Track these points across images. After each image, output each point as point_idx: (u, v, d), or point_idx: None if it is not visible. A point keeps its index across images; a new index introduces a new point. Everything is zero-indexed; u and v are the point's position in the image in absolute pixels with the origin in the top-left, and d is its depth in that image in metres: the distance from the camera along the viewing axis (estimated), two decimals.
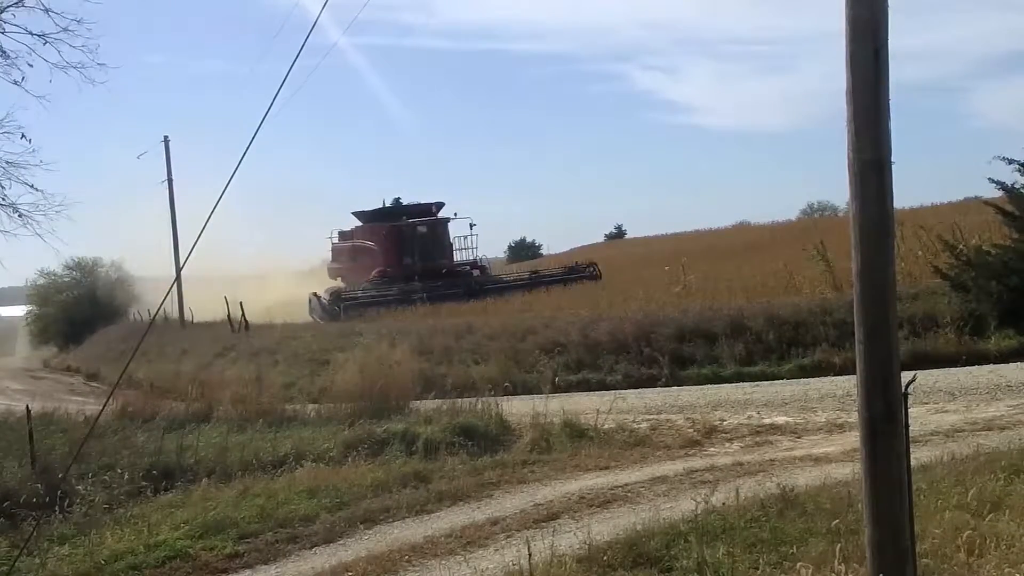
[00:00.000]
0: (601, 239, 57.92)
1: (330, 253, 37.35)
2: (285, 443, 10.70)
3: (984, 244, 15.25)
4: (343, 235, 36.60)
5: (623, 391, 14.04)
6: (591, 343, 16.51)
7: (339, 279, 35.32)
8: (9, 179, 14.36)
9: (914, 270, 17.28)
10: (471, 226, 33.56)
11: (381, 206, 34.99)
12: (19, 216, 14.48)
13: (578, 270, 31.94)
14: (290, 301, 33.16)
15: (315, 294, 30.45)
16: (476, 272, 33.52)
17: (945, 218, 21.45)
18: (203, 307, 31.07)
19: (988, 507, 5.47)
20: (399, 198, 35.12)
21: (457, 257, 34.05)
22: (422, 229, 33.34)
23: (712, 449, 9.87)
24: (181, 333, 30.58)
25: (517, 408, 11.72)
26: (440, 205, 34.70)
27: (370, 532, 7.66)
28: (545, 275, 31.82)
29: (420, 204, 34.69)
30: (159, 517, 8.18)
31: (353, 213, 35.91)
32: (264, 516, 8.05)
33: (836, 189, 61.14)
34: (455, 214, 34.21)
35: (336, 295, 29.10)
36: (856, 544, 4.60)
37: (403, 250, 32.62)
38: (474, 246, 34.24)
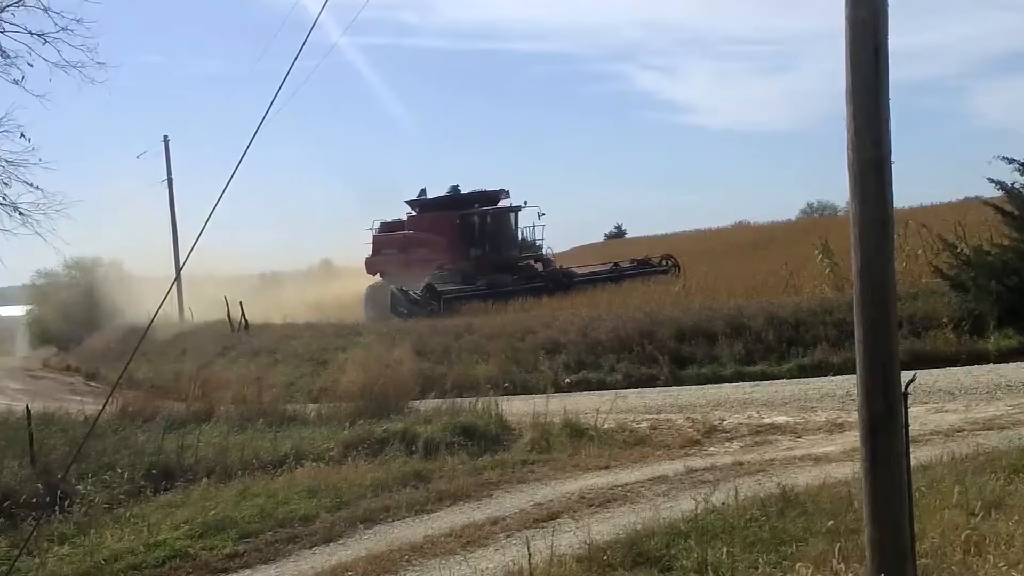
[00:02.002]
0: (601, 239, 57.80)
1: (370, 246, 33.37)
2: (285, 443, 10.69)
3: (984, 244, 15.26)
4: (388, 226, 32.99)
5: (623, 391, 14.04)
6: (591, 342, 16.52)
7: (379, 274, 32.10)
8: (9, 178, 14.39)
9: (915, 269, 17.30)
10: (539, 215, 30.59)
11: (438, 194, 31.97)
12: (19, 215, 14.50)
13: (650, 263, 28.89)
14: (316, 303, 31.76)
15: (401, 288, 26.92)
16: (539, 265, 30.66)
17: (945, 218, 21.44)
18: (214, 308, 29.69)
19: (988, 507, 5.47)
20: (457, 185, 32.07)
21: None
22: (494, 218, 30.59)
23: (712, 449, 9.87)
24: (181, 333, 30.56)
25: (517, 408, 11.72)
26: (504, 193, 31.51)
27: (370, 532, 7.66)
28: (627, 268, 28.88)
29: (484, 192, 31.51)
30: (159, 517, 8.17)
31: (407, 202, 32.71)
32: (264, 516, 8.05)
33: (836, 189, 61.00)
34: (525, 202, 30.94)
35: (431, 289, 26.31)
36: (856, 544, 4.60)
37: (471, 241, 30.01)
38: (541, 237, 31.47)
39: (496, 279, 27.22)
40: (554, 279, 27.53)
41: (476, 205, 30.73)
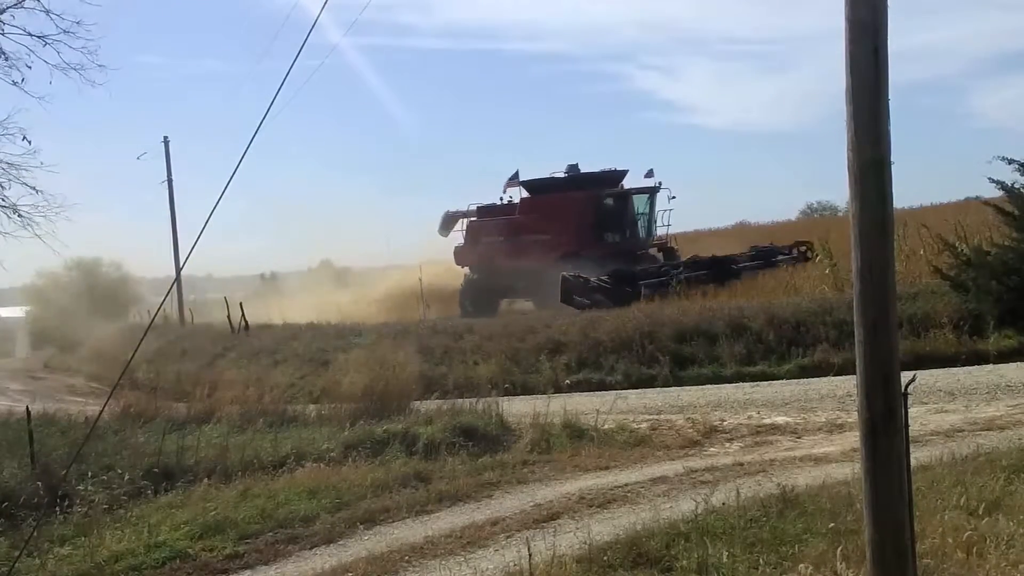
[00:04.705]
0: None
1: (463, 233, 30.42)
2: (286, 443, 10.68)
3: (984, 244, 15.27)
4: (488, 211, 29.96)
5: (624, 391, 14.05)
6: (592, 342, 16.52)
7: (467, 268, 29.62)
8: (9, 180, 14.41)
9: (915, 269, 17.31)
10: (670, 198, 27.69)
11: (556, 175, 29.02)
12: (19, 217, 14.52)
13: (776, 249, 26.22)
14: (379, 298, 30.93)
15: (576, 275, 23.28)
16: (660, 254, 28.11)
17: (945, 218, 21.45)
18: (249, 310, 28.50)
19: (988, 507, 5.47)
20: (576, 165, 28.97)
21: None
22: (637, 199, 27.66)
23: (712, 449, 9.87)
24: (181, 334, 30.59)
25: (518, 408, 11.72)
26: (624, 173, 28.45)
27: (370, 532, 7.65)
28: (770, 253, 25.81)
29: (612, 171, 28.37)
30: (159, 517, 8.17)
31: (520, 183, 29.31)
32: (264, 517, 8.04)
33: (836, 189, 61.10)
34: (659, 183, 27.75)
35: (621, 275, 23.16)
36: (856, 544, 4.60)
37: (607, 225, 27.27)
38: (667, 222, 28.66)
39: (651, 268, 24.73)
40: (720, 267, 24.27)
41: (620, 184, 27.99)
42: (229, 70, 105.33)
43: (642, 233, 28.37)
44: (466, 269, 29.78)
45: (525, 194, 29.40)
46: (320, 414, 12.59)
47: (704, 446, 10.04)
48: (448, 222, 31.63)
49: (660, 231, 29.05)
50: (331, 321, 25.84)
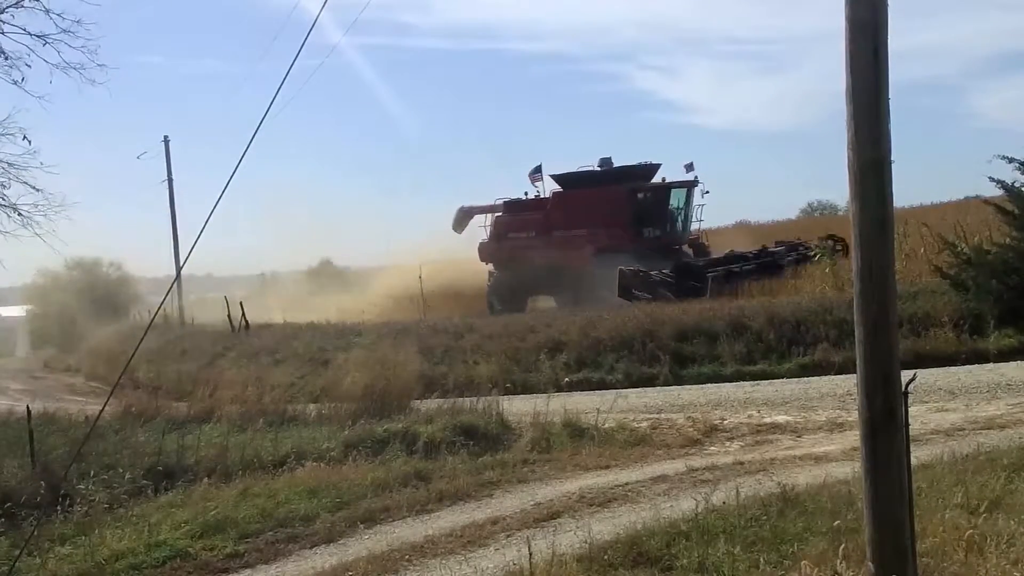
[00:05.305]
0: None
1: (488, 229, 29.31)
2: (286, 443, 10.69)
3: (984, 243, 15.28)
4: (515, 206, 28.92)
5: (624, 390, 14.05)
6: (592, 342, 16.52)
7: (491, 265, 28.80)
8: (9, 180, 14.42)
9: (915, 268, 17.31)
10: (703, 193, 27.22)
11: (589, 168, 27.99)
12: (19, 216, 14.54)
13: (803, 245, 25.62)
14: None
15: (635, 268, 22.46)
16: (690, 250, 27.48)
17: (946, 217, 21.45)
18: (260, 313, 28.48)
19: (989, 506, 5.47)
20: (609, 158, 27.90)
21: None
22: (678, 193, 27.02)
23: (712, 448, 9.87)
24: (181, 333, 30.56)
25: (518, 407, 11.72)
26: (658, 166, 27.71)
27: (370, 532, 7.66)
28: (803, 248, 25.15)
29: (644, 164, 27.56)
30: (159, 517, 8.18)
31: (552, 176, 28.27)
32: (264, 516, 8.05)
33: (836, 189, 61.05)
34: (695, 177, 27.29)
35: (686, 268, 22.68)
36: (856, 543, 4.59)
37: (646, 219, 26.39)
38: (700, 217, 28.08)
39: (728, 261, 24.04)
40: (764, 262, 23.87)
41: (662, 178, 27.41)
42: (229, 70, 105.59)
43: (679, 228, 27.70)
44: (490, 266, 29.06)
45: (556, 188, 28.38)
46: (320, 413, 12.59)
47: (704, 445, 10.04)
48: (463, 218, 30.86)
49: (693, 226, 28.55)
50: (331, 321, 25.82)
